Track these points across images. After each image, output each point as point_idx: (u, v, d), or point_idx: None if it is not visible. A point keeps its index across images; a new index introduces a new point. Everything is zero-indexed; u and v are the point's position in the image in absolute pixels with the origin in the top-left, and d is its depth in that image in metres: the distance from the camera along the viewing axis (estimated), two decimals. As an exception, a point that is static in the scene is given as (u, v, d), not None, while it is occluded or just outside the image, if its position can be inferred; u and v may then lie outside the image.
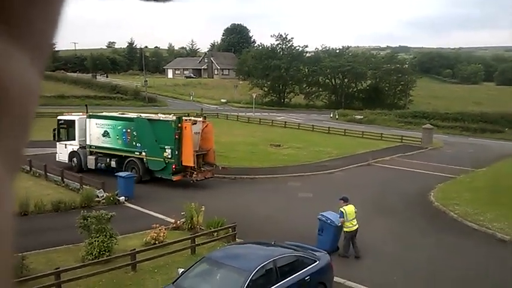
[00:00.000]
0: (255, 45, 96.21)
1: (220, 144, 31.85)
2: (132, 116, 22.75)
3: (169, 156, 20.45)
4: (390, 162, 29.38)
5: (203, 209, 14.90)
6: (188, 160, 20.31)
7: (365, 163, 28.42)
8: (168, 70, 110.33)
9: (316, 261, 10.41)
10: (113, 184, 18.57)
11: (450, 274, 12.14)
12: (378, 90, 74.44)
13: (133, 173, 20.58)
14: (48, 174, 21.15)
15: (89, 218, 12.28)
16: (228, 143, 32.93)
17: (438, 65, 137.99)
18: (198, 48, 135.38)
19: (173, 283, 9.39)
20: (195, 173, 20.49)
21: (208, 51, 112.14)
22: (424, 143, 37.06)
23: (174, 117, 21.23)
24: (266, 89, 74.33)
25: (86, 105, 26.09)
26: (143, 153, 21.26)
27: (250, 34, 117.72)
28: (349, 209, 13.18)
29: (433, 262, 12.99)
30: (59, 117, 24.38)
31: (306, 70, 75.70)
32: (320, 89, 75.54)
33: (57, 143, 24.00)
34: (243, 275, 8.95)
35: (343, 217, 13.04)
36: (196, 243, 13.09)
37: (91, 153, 23.12)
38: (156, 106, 60.42)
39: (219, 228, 14.24)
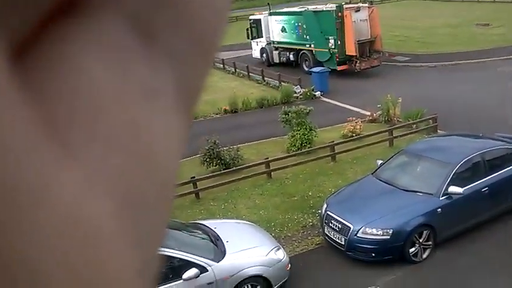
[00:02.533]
0: None
1: (417, 30, 29.39)
2: (301, 10, 23.14)
3: (333, 47, 20.54)
4: None
5: (400, 100, 14.38)
6: (350, 49, 20.14)
7: None
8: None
9: (534, 156, 9.28)
10: (307, 80, 19.22)
11: None
12: None
13: (306, 64, 22.00)
14: (250, 74, 23.04)
15: (289, 113, 13.17)
16: (426, 27, 30.11)
17: None
18: None
19: (372, 174, 9.63)
20: (358, 61, 20.13)
21: None
22: None
23: (334, 7, 20.78)
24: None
25: (268, 3, 27.10)
26: (312, 46, 21.76)
27: None
28: None
29: None
30: (250, 17, 26.44)
31: None
32: None
33: (251, 41, 26.00)
34: (446, 167, 8.61)
35: None
36: (394, 135, 12.94)
37: (275, 49, 24.42)
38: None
39: (418, 120, 13.69)
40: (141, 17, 0.25)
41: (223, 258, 7.30)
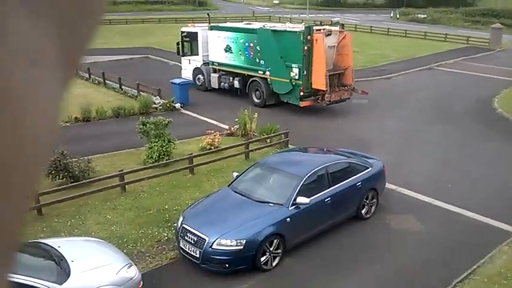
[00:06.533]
0: None
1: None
2: (254, 27, 19.16)
3: (297, 77, 16.96)
4: (454, 65, 27.70)
5: (256, 115, 15.04)
6: (319, 82, 16.64)
7: (426, 67, 27.00)
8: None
9: (368, 168, 10.42)
10: (169, 91, 18.95)
11: (508, 182, 11.82)
12: (445, -15, 68.22)
13: (257, 95, 18.68)
14: (106, 81, 21.85)
15: (147, 124, 12.78)
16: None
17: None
18: None
19: (228, 186, 9.82)
20: (328, 94, 16.88)
21: None
22: (492, 44, 34.32)
23: (303, 27, 17.24)
24: (321, -13, 70.14)
25: (208, 14, 22.27)
26: (267, 73, 18.01)
27: None
28: None
29: (488, 169, 12.65)
30: (182, 29, 21.90)
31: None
32: (380, -14, 70.40)
33: (182, 58, 21.91)
34: (295, 179, 9.17)
35: None
36: (249, 149, 13.43)
37: (214, 71, 20.56)
38: (207, 9, 59.16)
39: (272, 134, 14.44)
40: None
41: (67, 279, 6.70)
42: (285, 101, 17.96)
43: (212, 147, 13.47)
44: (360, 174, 10.17)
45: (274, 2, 69.27)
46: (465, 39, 35.86)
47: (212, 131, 14.26)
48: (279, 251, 8.52)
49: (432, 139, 15.12)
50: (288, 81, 17.24)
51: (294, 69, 16.99)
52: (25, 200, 0.34)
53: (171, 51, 29.29)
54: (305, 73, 16.71)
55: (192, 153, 12.43)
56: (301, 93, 16.99)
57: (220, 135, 14.29)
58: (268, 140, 14.29)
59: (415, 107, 18.88)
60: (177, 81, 19.48)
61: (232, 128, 15.25)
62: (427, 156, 13.66)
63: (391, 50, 31.66)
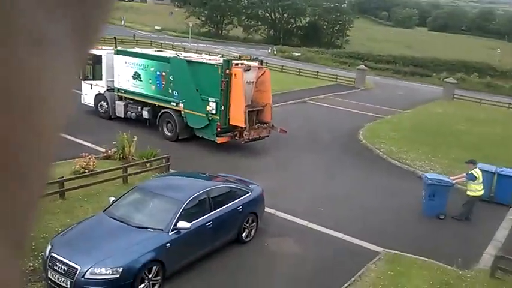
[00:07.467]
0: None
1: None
2: (167, 56, 18.10)
3: (214, 112, 16.08)
4: (324, 100, 30.12)
5: (135, 139, 14.53)
6: (238, 118, 15.94)
7: (300, 100, 28.91)
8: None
9: (248, 193, 10.67)
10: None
11: (372, 205, 13.02)
12: (316, 27, 74.79)
13: (168, 127, 17.44)
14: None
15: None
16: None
17: (375, 6, 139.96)
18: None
19: (104, 211, 9.25)
20: (246, 131, 16.17)
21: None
22: (357, 83, 38.23)
23: (221, 61, 16.63)
24: (203, 19, 71.95)
25: (115, 38, 20.87)
26: (181, 105, 16.94)
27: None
28: (479, 172, 12.34)
29: (354, 194, 13.84)
30: None
31: (246, 2, 73.94)
32: (259, 23, 74.55)
33: (82, 82, 19.74)
34: (176, 204, 8.98)
35: (474, 180, 12.21)
36: (128, 173, 12.87)
37: (120, 99, 19.09)
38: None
39: (152, 159, 14.05)
40: None
41: None
42: (200, 135, 16.91)
43: (86, 171, 12.61)
44: (240, 199, 10.35)
45: (156, 28, 68.90)
46: (334, 77, 39.37)
47: (86, 154, 13.39)
48: (159, 278, 8.19)
49: (306, 167, 16.09)
50: (205, 115, 16.28)
51: (210, 103, 16.10)
52: (40, 185, 0.33)
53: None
54: (223, 108, 15.92)
55: (62, 177, 11.48)
56: (219, 129, 16.10)
57: (95, 158, 13.47)
58: (148, 165, 13.86)
59: (291, 136, 19.98)
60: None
61: (109, 151, 14.51)
62: (302, 182, 14.47)
63: (269, 83, 33.33)
